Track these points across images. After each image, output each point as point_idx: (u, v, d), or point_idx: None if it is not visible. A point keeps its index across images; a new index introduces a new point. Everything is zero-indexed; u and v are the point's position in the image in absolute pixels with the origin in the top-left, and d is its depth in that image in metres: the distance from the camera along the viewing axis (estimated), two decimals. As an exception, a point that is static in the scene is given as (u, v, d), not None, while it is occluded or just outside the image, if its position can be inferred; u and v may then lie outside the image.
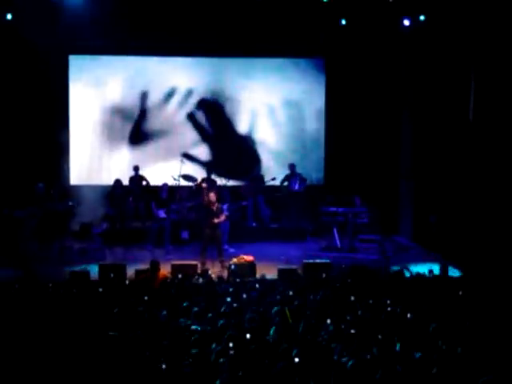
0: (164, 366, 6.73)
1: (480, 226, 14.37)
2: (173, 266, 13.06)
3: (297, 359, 6.72)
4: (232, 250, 15.50)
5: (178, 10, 16.54)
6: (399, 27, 16.47)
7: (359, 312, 8.98)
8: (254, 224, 17.76)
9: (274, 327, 8.01)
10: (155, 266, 11.93)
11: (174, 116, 18.82)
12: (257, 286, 10.88)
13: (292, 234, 17.27)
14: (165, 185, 16.72)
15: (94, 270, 12.90)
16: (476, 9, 14.21)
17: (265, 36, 17.50)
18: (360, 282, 11.01)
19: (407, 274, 11.84)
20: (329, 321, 8.30)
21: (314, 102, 18.98)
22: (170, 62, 18.79)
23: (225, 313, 8.79)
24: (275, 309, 8.66)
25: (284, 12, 16.57)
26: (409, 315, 8.66)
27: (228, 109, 18.89)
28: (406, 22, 16.14)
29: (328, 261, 13.65)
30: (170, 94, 18.77)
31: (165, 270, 12.42)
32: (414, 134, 17.21)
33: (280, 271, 12.69)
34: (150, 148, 18.74)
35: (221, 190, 16.57)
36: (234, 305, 9.29)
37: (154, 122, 18.79)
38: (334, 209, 16.38)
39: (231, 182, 17.56)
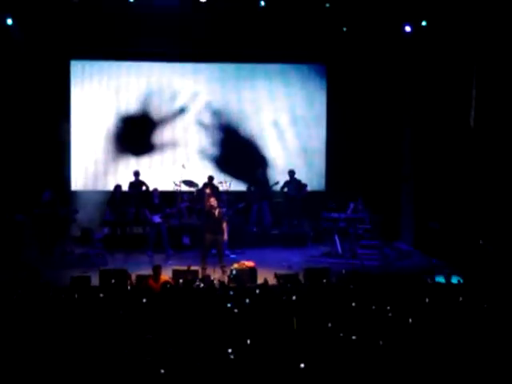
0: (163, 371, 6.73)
1: (481, 232, 14.35)
2: (174, 272, 13.06)
3: (302, 365, 6.71)
4: (233, 256, 15.50)
5: (181, 15, 16.56)
6: (400, 33, 16.48)
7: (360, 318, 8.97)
8: (255, 230, 17.77)
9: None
10: (157, 271, 11.94)
11: (176, 121, 18.82)
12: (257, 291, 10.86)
13: (293, 240, 17.27)
14: (155, 190, 16.71)
15: (94, 276, 12.88)
16: (477, 15, 14.23)
17: (267, 42, 17.54)
18: (360, 287, 10.99)
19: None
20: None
21: (315, 107, 19.01)
22: (172, 67, 18.82)
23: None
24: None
25: (286, 18, 16.61)
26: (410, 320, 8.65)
27: (230, 114, 18.90)
28: (408, 29, 16.15)
29: (328, 267, 13.63)
30: (172, 100, 18.79)
31: (166, 275, 12.43)
32: (415, 140, 17.21)
33: (281, 277, 12.65)
34: (151, 154, 18.73)
35: (220, 194, 16.59)
36: (235, 310, 9.28)
37: (156, 128, 18.79)
38: (335, 215, 16.38)
39: (233, 187, 17.53)
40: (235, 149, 18.89)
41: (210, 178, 17.38)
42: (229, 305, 9.66)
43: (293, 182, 17.98)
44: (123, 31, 17.06)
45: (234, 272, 13.23)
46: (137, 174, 17.50)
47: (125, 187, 17.42)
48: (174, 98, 18.80)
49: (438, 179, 15.95)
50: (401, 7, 15.68)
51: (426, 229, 15.82)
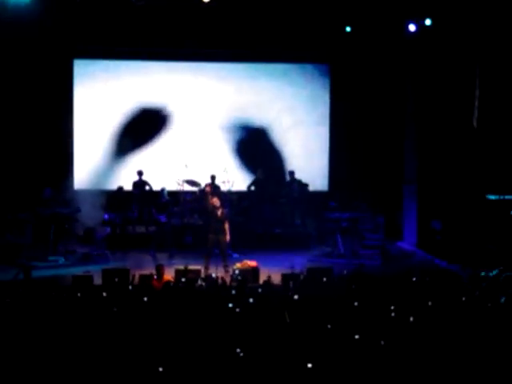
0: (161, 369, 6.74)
1: (484, 232, 14.35)
2: (176, 271, 13.06)
3: (310, 365, 6.71)
4: (235, 255, 15.50)
5: (184, 14, 16.58)
6: (404, 33, 16.47)
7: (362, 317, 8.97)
8: (258, 229, 17.75)
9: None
10: (160, 270, 11.95)
11: (179, 121, 18.82)
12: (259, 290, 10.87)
13: (295, 240, 17.25)
14: (163, 189, 16.72)
15: (97, 275, 12.88)
16: (480, 15, 14.22)
17: (271, 41, 17.55)
18: (362, 287, 10.99)
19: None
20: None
21: (318, 107, 19.01)
22: (176, 66, 18.82)
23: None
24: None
25: (290, 18, 16.61)
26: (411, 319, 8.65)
27: (234, 113, 18.89)
28: (412, 28, 16.12)
29: (331, 266, 13.62)
30: (174, 99, 18.79)
31: (168, 274, 12.44)
32: (419, 140, 17.19)
33: (283, 276, 12.66)
34: (154, 153, 18.73)
35: (223, 194, 16.60)
36: (237, 310, 9.28)
37: (158, 127, 18.79)
38: (337, 214, 16.38)
39: (235, 187, 17.52)
40: (236, 148, 18.87)
41: (213, 178, 17.38)
42: (230, 305, 9.67)
43: (294, 182, 17.98)
44: (126, 30, 17.08)
45: (237, 272, 13.23)
46: (140, 173, 17.51)
47: (128, 186, 17.43)
48: (176, 97, 18.80)
49: (441, 179, 15.93)
50: (404, 7, 15.66)
51: (429, 229, 15.79)
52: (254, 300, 9.86)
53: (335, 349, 7.49)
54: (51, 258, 15.20)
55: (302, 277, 12.57)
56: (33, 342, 7.85)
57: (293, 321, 8.36)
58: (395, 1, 15.59)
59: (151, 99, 18.71)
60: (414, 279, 11.79)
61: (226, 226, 14.42)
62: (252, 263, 13.69)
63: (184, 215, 17.40)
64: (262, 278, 12.70)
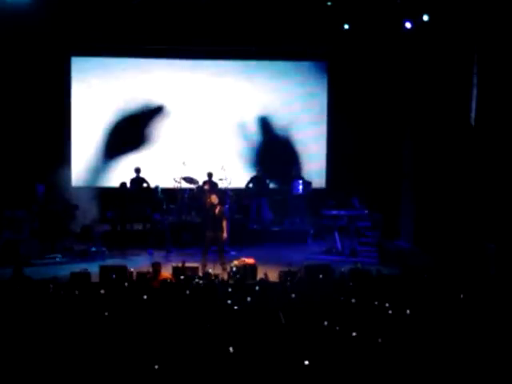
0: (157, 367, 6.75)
1: (482, 230, 14.35)
2: (174, 268, 13.06)
3: (306, 362, 6.72)
4: (233, 253, 15.51)
5: (182, 12, 16.58)
6: (401, 31, 16.46)
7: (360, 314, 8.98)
8: (255, 226, 17.78)
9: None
10: (157, 268, 11.95)
11: (177, 118, 18.82)
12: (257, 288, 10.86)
13: (293, 237, 17.26)
14: (157, 187, 16.73)
15: (94, 272, 12.88)
16: (477, 13, 14.21)
17: (269, 39, 17.55)
18: (360, 284, 11.01)
19: None
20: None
21: (316, 105, 19.02)
22: (173, 64, 18.83)
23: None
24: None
25: (287, 16, 16.62)
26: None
27: (231, 111, 18.90)
28: (408, 25, 16.10)
29: (328, 264, 13.63)
30: (172, 96, 18.79)
31: (166, 272, 12.44)
32: (416, 138, 17.19)
33: (281, 274, 12.67)
34: (152, 150, 18.73)
35: (220, 191, 16.59)
36: (235, 307, 9.28)
37: (157, 125, 18.80)
38: (335, 212, 16.39)
39: (233, 184, 17.53)
40: (235, 146, 18.88)
41: (210, 175, 17.38)
42: (229, 301, 9.68)
43: (295, 179, 18.02)
44: (124, 28, 17.09)
45: (234, 269, 13.24)
46: (138, 170, 17.50)
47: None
48: (173, 94, 18.80)
49: (439, 178, 15.93)
50: (401, 4, 15.66)
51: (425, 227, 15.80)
52: (250, 298, 9.86)
53: (332, 346, 7.50)
54: (48, 255, 15.18)
55: (299, 274, 12.58)
56: (30, 339, 7.85)
57: (289, 318, 8.35)
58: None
59: (149, 96, 18.72)
60: (412, 277, 11.81)
61: (224, 223, 14.42)
62: (249, 260, 13.69)
63: (181, 212, 17.41)
64: (260, 275, 12.71)
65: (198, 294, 10.28)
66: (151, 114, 18.78)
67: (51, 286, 10.91)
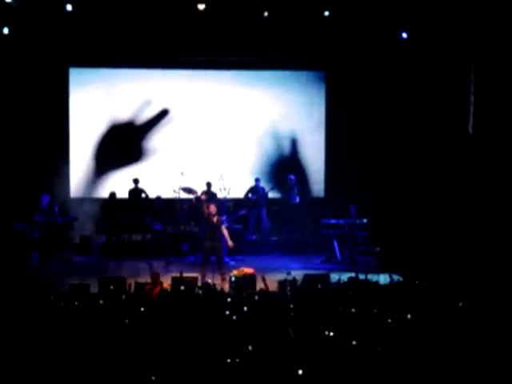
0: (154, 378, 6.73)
1: (481, 239, 14.36)
2: (173, 279, 13.05)
3: (300, 371, 6.71)
4: (232, 263, 15.50)
5: (180, 22, 16.61)
6: (398, 40, 16.49)
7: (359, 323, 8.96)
8: (254, 236, 17.79)
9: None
10: (155, 278, 11.94)
11: (175, 128, 18.84)
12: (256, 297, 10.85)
13: (292, 247, 17.26)
14: (158, 198, 16.74)
15: (93, 283, 12.86)
16: (475, 21, 14.26)
17: (266, 49, 17.59)
18: (359, 293, 10.99)
19: None
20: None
21: (314, 114, 19.05)
22: (171, 74, 18.86)
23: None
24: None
25: (286, 25, 16.65)
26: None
27: (230, 121, 18.92)
28: (405, 35, 16.14)
29: (327, 273, 13.63)
30: (171, 107, 18.82)
31: (165, 282, 12.42)
32: (414, 147, 17.19)
33: (280, 283, 12.65)
34: (150, 161, 18.75)
35: (219, 201, 16.61)
36: (234, 317, 9.27)
37: (154, 136, 18.81)
38: (334, 221, 16.39)
39: (232, 195, 17.54)
40: (233, 155, 18.89)
41: (208, 185, 17.41)
42: (227, 312, 9.66)
43: (292, 188, 18.01)
44: (122, 39, 17.12)
45: (234, 279, 13.23)
46: (136, 181, 17.51)
47: (124, 194, 17.45)
48: (172, 104, 18.82)
49: (437, 186, 15.93)
50: (398, 14, 15.70)
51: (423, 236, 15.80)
52: (249, 308, 9.85)
53: (332, 355, 7.49)
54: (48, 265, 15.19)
55: (298, 284, 12.57)
56: (30, 350, 7.83)
57: (288, 328, 8.34)
58: (389, 8, 15.62)
59: (147, 107, 18.73)
60: (411, 285, 11.80)
61: (225, 232, 14.42)
62: (249, 270, 13.69)
63: (180, 223, 17.41)
64: (259, 285, 12.70)
65: (197, 305, 10.27)
66: (149, 124, 18.79)
67: (51, 297, 10.91)
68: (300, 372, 6.70)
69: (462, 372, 6.92)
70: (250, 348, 7.62)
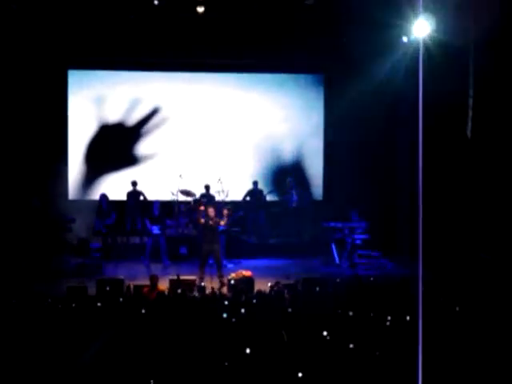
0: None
1: (479, 242, 14.36)
2: (171, 281, 13.04)
3: (300, 374, 6.72)
4: (230, 266, 15.50)
5: (178, 25, 16.62)
6: (397, 43, 16.48)
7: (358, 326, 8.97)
8: (252, 239, 17.78)
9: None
10: (154, 280, 11.94)
11: (174, 130, 18.84)
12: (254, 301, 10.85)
13: (291, 250, 17.25)
14: (157, 202, 16.75)
15: (91, 285, 12.85)
16: (472, 24, 14.26)
17: (265, 52, 17.57)
18: (357, 296, 11.00)
19: None
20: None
21: (312, 117, 19.06)
22: (171, 76, 18.85)
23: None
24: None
25: (284, 28, 16.65)
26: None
27: (228, 123, 18.92)
28: (405, 39, 16.12)
29: (326, 276, 13.64)
30: (169, 109, 18.81)
31: (163, 285, 12.42)
32: (412, 150, 17.17)
33: (278, 286, 12.64)
34: (149, 163, 18.74)
35: (218, 204, 16.62)
36: (233, 320, 9.27)
37: (153, 138, 18.81)
38: (333, 224, 16.40)
39: (230, 197, 17.54)
40: (231, 158, 18.89)
41: (207, 188, 17.43)
42: (225, 315, 9.66)
43: (292, 190, 18.01)
44: (120, 41, 17.10)
45: (232, 281, 13.22)
46: (134, 183, 17.50)
47: (123, 197, 17.45)
48: (170, 107, 18.82)
49: (435, 190, 15.93)
50: (396, 19, 15.69)
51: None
52: (247, 311, 9.85)
53: (330, 358, 7.48)
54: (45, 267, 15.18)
55: (297, 287, 12.58)
56: (28, 352, 7.83)
57: (287, 331, 8.34)
58: (388, 11, 15.60)
59: (145, 109, 18.73)
60: (408, 288, 11.78)
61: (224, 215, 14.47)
62: (247, 273, 13.69)
63: (178, 225, 17.40)
64: (257, 287, 12.70)
65: (194, 307, 10.27)
66: (148, 126, 18.79)
67: (49, 299, 10.90)
68: (300, 375, 6.70)
69: (461, 375, 6.92)
70: (248, 351, 7.62)
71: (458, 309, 10.07)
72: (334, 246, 16.33)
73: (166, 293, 11.76)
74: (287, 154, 19.11)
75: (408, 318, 9.40)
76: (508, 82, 14.09)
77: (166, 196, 17.43)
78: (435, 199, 15.80)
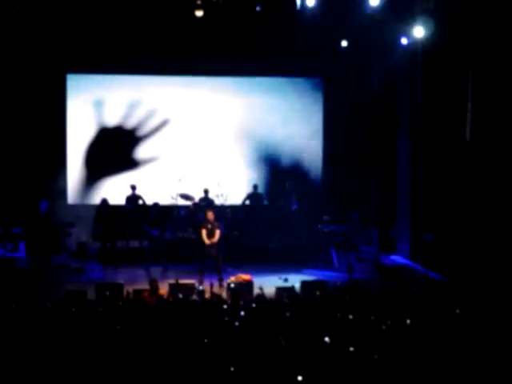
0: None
1: (478, 245, 14.34)
2: (170, 285, 13.04)
3: (300, 377, 6.72)
4: (230, 269, 15.49)
5: (177, 29, 16.62)
6: (396, 47, 16.50)
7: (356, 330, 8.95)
8: (252, 243, 17.76)
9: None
10: (154, 285, 11.94)
11: (172, 134, 18.83)
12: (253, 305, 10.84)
13: (290, 253, 17.23)
14: (155, 204, 16.72)
15: (91, 289, 12.84)
16: (472, 28, 14.27)
17: (264, 56, 17.58)
18: (356, 300, 10.99)
19: None
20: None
21: (311, 120, 19.06)
22: (169, 80, 18.84)
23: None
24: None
25: (283, 32, 16.65)
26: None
27: (227, 127, 18.93)
28: (404, 41, 16.12)
29: (325, 279, 13.64)
30: (168, 113, 18.81)
31: (163, 289, 12.41)
32: (411, 152, 17.22)
33: (278, 290, 12.66)
34: (148, 168, 18.73)
35: (217, 208, 16.63)
36: (236, 323, 9.25)
37: (152, 142, 18.80)
38: (331, 227, 16.40)
39: (229, 201, 17.53)
40: (230, 162, 18.90)
41: (206, 192, 17.43)
42: (226, 318, 9.65)
43: (291, 194, 18.02)
44: (119, 45, 17.12)
45: (232, 285, 13.23)
46: (133, 187, 17.50)
47: (122, 201, 17.45)
48: (169, 111, 18.82)
49: (434, 193, 15.94)
50: (397, 21, 15.71)
51: (420, 241, 15.78)
52: (246, 315, 9.84)
53: (329, 362, 7.48)
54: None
55: (295, 290, 12.57)
56: (26, 357, 7.81)
57: (286, 335, 8.33)
58: (387, 16, 15.62)
59: (144, 113, 18.73)
60: (408, 292, 11.79)
61: (217, 237, 14.47)
62: (246, 277, 13.69)
63: (178, 229, 17.40)
64: (256, 291, 12.70)
65: (194, 311, 10.26)
66: (147, 130, 18.78)
67: (48, 304, 10.89)
68: (300, 378, 6.69)
69: (460, 379, 6.91)
70: (248, 355, 7.61)
71: (458, 311, 10.06)
72: (333, 250, 16.32)
73: (166, 297, 11.76)
74: (286, 157, 19.10)
75: (408, 321, 9.39)
76: (507, 84, 14.09)
77: (166, 200, 17.42)
78: (434, 202, 15.83)
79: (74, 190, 18.51)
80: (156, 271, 15.54)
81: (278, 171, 19.02)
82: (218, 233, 14.56)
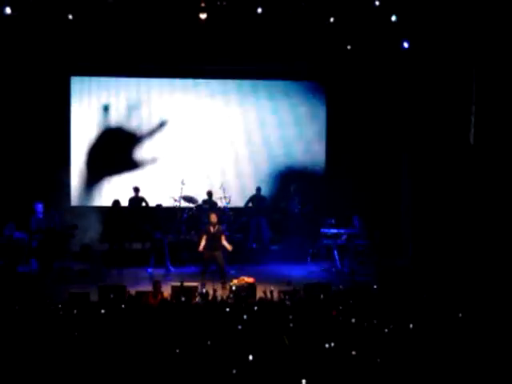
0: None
1: (481, 249, 14.34)
2: (173, 288, 13.04)
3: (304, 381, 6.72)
4: (233, 272, 15.48)
5: (182, 32, 16.64)
6: (399, 51, 16.51)
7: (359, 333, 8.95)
8: (254, 245, 17.78)
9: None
10: (157, 287, 11.94)
11: (176, 137, 18.85)
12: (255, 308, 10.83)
13: (293, 256, 17.24)
14: (159, 206, 16.73)
15: (93, 291, 12.84)
16: (476, 31, 14.28)
17: (267, 59, 17.60)
18: (359, 303, 10.98)
19: None
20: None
21: (315, 123, 19.06)
22: (173, 83, 18.86)
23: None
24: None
25: (287, 35, 16.67)
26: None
27: (230, 130, 18.94)
28: (406, 45, 16.13)
29: (328, 282, 13.62)
30: (172, 115, 18.83)
31: (165, 291, 12.41)
32: (415, 156, 17.21)
33: (281, 293, 12.64)
34: (150, 170, 18.75)
35: (220, 210, 16.63)
36: (239, 327, 9.25)
37: (155, 144, 18.82)
38: (334, 231, 16.39)
39: (232, 203, 17.53)
40: (234, 164, 18.90)
41: (209, 194, 17.44)
42: (229, 321, 9.65)
43: (293, 197, 18.00)
44: (123, 48, 17.15)
45: (234, 288, 13.22)
46: (136, 189, 17.50)
47: (125, 203, 17.45)
48: (173, 113, 18.84)
49: (438, 196, 15.93)
50: (399, 25, 15.72)
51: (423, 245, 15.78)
52: (249, 317, 9.83)
53: (332, 365, 7.47)
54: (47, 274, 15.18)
55: (298, 293, 12.55)
56: (29, 359, 7.82)
57: (289, 337, 8.33)
58: (390, 19, 15.64)
59: (147, 115, 18.75)
60: (410, 295, 11.78)
61: (224, 241, 14.42)
62: (249, 279, 13.68)
63: (181, 231, 17.40)
64: (259, 294, 12.70)
65: (197, 313, 10.26)
66: (150, 132, 18.81)
67: (51, 305, 10.89)
68: (304, 382, 6.69)
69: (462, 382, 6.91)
70: (251, 358, 7.61)
71: (460, 315, 10.05)
72: (336, 252, 16.32)
73: (169, 299, 11.76)
74: (290, 160, 19.11)
75: (410, 324, 9.39)
76: (510, 87, 14.09)
77: (169, 202, 17.43)
78: (438, 205, 15.82)
79: (77, 193, 18.52)
80: (158, 273, 15.54)
81: (281, 174, 19.02)
82: (224, 242, 14.46)
